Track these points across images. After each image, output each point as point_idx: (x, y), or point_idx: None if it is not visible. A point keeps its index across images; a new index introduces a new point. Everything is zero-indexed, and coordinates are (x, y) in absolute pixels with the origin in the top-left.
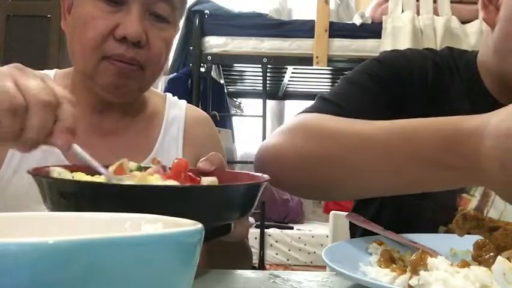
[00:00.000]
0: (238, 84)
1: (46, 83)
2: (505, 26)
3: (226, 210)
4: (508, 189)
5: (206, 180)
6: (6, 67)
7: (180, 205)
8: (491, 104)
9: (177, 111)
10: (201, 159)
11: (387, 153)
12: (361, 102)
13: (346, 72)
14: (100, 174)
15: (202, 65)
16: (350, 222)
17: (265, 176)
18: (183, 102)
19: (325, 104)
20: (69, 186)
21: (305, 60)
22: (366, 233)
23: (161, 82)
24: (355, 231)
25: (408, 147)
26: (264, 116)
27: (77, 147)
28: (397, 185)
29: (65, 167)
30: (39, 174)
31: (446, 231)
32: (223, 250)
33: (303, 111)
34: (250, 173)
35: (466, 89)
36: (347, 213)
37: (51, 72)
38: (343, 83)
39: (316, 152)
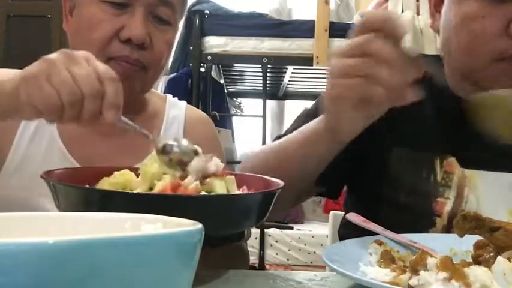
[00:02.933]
0: (238, 84)
1: (92, 65)
2: (443, 32)
3: (243, 219)
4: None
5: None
6: (56, 55)
7: (196, 215)
8: (450, 98)
9: (177, 111)
10: None
11: (288, 151)
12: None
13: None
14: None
15: (202, 65)
16: (345, 222)
17: (279, 181)
18: (183, 103)
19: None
20: (82, 194)
21: (305, 60)
22: (364, 233)
23: (161, 82)
24: (349, 233)
25: (301, 137)
26: (264, 116)
27: (124, 119)
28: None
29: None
30: (52, 180)
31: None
32: (220, 251)
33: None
34: (264, 177)
35: (429, 90)
36: (347, 213)
37: None
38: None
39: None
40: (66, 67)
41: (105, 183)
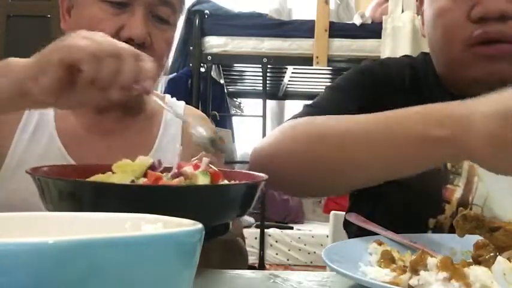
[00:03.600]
0: (238, 84)
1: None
2: (426, 29)
3: (225, 210)
4: (492, 160)
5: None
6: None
7: (179, 205)
8: (444, 96)
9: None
10: (193, 159)
11: (371, 143)
12: (342, 105)
13: (346, 72)
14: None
15: (202, 65)
16: (345, 222)
17: (262, 175)
18: (181, 103)
19: (310, 110)
20: (68, 186)
21: (305, 60)
22: (363, 233)
23: (161, 82)
24: (350, 232)
25: (398, 129)
26: (264, 116)
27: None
28: (384, 170)
29: (65, 166)
30: (38, 174)
31: (435, 227)
32: (217, 249)
33: (291, 117)
34: (247, 172)
35: (427, 85)
36: (347, 213)
37: None
38: (327, 90)
39: (305, 154)
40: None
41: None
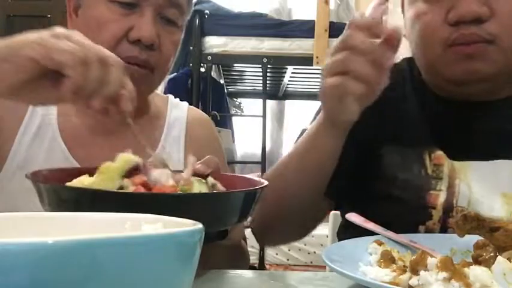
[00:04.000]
0: (238, 84)
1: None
2: (407, 33)
3: (225, 216)
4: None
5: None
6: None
7: (179, 212)
8: (430, 94)
9: (178, 112)
10: (198, 162)
11: (290, 162)
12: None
13: None
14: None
15: (202, 65)
16: (344, 225)
17: (262, 180)
18: (185, 103)
19: None
20: (67, 192)
21: (305, 60)
22: (364, 233)
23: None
24: (347, 232)
25: (306, 142)
26: (264, 116)
27: (130, 120)
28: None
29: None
30: (38, 180)
31: (428, 231)
32: (219, 252)
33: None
34: (247, 176)
35: (412, 89)
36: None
37: None
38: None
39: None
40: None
41: (77, 183)
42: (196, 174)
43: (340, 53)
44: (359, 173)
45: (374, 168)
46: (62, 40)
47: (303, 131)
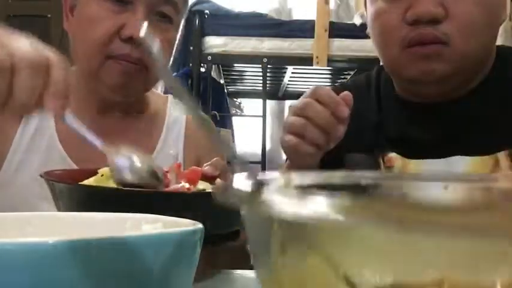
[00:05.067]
0: (238, 84)
1: (36, 45)
2: (369, 31)
3: (234, 217)
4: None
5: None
6: None
7: (189, 212)
8: (395, 100)
9: (178, 112)
10: (205, 164)
11: None
12: None
13: (346, 72)
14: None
15: (202, 65)
16: None
17: None
18: None
19: None
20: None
21: (305, 60)
22: None
23: (161, 82)
24: None
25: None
26: (264, 116)
27: (69, 117)
28: None
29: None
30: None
31: None
32: (230, 253)
33: None
34: None
35: (375, 93)
36: None
37: None
38: None
39: None
40: None
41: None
42: (204, 176)
43: (298, 118)
44: None
45: None
46: None
47: None
